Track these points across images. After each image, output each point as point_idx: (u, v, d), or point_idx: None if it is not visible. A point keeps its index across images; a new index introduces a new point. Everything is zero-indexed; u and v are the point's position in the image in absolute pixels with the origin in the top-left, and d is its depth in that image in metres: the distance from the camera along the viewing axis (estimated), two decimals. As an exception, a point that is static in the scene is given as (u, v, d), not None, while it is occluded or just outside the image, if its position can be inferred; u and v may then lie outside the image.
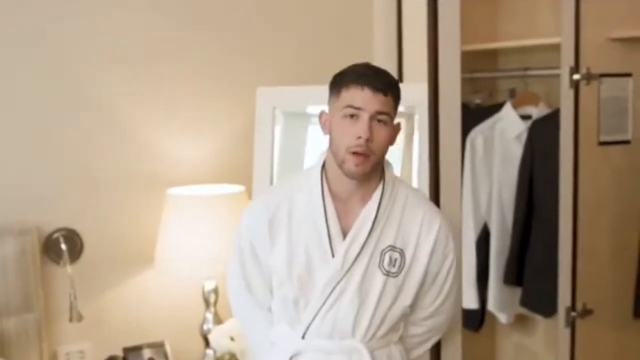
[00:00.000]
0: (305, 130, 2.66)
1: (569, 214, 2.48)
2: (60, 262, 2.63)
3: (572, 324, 2.50)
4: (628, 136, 2.70)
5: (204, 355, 2.69)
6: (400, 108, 1.84)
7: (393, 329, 1.89)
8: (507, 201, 3.01)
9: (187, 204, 2.63)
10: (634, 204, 2.74)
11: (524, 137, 2.95)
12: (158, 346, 2.69)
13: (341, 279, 1.79)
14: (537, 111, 2.96)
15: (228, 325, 2.56)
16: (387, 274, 1.81)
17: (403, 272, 1.83)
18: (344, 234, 1.81)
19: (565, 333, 2.51)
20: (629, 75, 2.66)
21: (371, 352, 1.83)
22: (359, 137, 1.71)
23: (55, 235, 2.65)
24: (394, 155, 2.69)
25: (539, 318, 3.11)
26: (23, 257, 2.51)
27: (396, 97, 1.79)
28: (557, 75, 2.66)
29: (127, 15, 2.71)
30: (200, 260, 2.57)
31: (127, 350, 2.66)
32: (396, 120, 1.84)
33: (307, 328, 1.83)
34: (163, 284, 2.75)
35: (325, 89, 1.85)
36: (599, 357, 2.75)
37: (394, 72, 3.06)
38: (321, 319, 1.82)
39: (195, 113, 2.84)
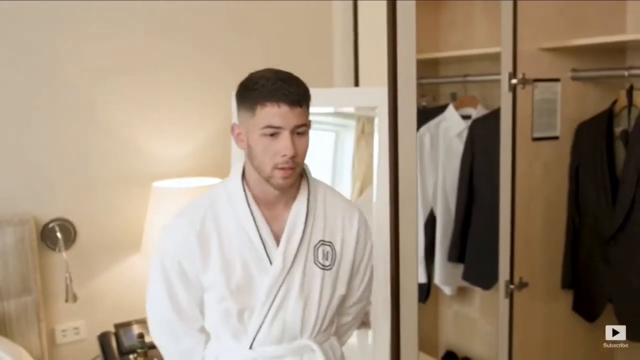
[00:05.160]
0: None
1: (508, 201, 2.51)
2: (56, 248, 2.60)
3: (510, 295, 2.55)
4: (557, 133, 2.80)
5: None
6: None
7: (332, 321, 1.76)
8: (450, 190, 3.09)
9: (170, 196, 2.62)
10: (561, 192, 2.83)
11: (465, 134, 3.03)
12: (145, 322, 2.65)
13: (283, 282, 1.63)
14: (475, 112, 3.03)
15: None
16: (324, 267, 1.68)
17: (335, 264, 1.70)
18: (276, 239, 1.64)
19: (505, 303, 2.55)
20: (557, 80, 2.76)
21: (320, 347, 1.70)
22: (284, 155, 1.53)
23: (51, 225, 2.62)
24: (347, 152, 2.71)
25: (476, 290, 3.19)
26: (22, 245, 2.50)
27: (308, 104, 1.59)
28: (492, 81, 2.70)
29: (117, 30, 2.70)
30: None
31: (117, 326, 2.65)
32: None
33: (255, 337, 1.65)
34: (149, 267, 2.70)
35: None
36: (533, 322, 2.84)
37: (351, 77, 3.08)
38: (269, 326, 1.64)
39: (177, 115, 2.84)
